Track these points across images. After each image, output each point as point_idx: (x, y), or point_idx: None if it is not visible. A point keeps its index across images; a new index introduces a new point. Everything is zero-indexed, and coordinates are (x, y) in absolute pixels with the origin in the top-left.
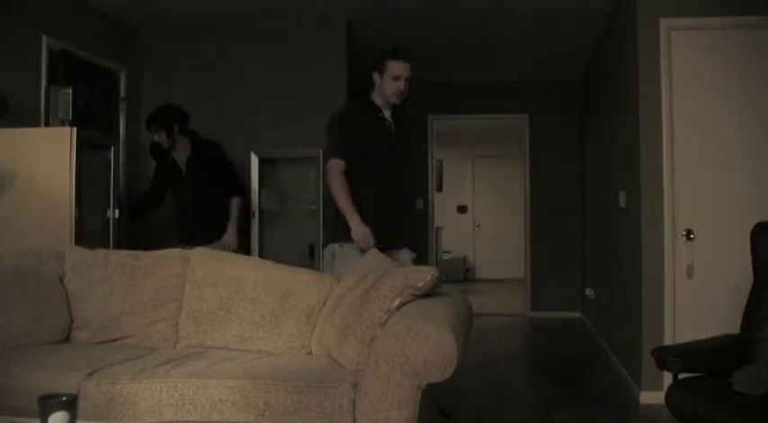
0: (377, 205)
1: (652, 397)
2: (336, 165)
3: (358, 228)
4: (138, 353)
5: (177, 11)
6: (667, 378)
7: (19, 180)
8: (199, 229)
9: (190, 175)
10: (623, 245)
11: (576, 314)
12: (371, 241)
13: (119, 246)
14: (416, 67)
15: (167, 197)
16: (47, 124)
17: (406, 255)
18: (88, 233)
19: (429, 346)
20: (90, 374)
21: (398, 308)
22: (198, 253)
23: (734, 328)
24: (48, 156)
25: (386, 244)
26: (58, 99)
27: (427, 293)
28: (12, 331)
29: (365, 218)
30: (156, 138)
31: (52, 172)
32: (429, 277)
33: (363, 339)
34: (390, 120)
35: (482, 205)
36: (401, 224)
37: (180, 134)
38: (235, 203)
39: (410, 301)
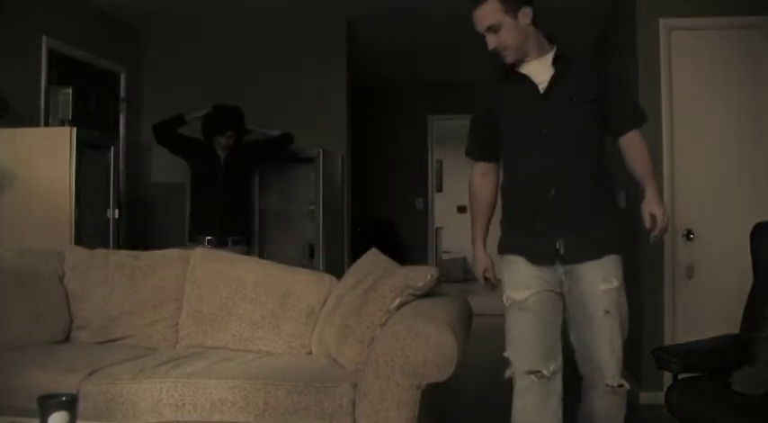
0: (527, 208)
1: (652, 397)
2: (473, 169)
3: (476, 257)
4: (138, 353)
5: (177, 11)
6: (667, 378)
7: (19, 180)
8: (220, 224)
9: (227, 170)
10: None
11: None
12: (486, 275)
13: (118, 246)
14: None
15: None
16: (46, 124)
17: (594, 272)
18: (88, 233)
19: (429, 346)
20: (90, 374)
21: (398, 308)
22: (198, 253)
23: (734, 328)
24: (47, 156)
25: (545, 259)
26: (57, 99)
27: (427, 293)
28: (12, 331)
29: (515, 231)
30: (224, 141)
31: (52, 172)
32: (429, 277)
33: (363, 339)
34: (533, 74)
35: None
36: (581, 223)
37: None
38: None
39: (410, 302)
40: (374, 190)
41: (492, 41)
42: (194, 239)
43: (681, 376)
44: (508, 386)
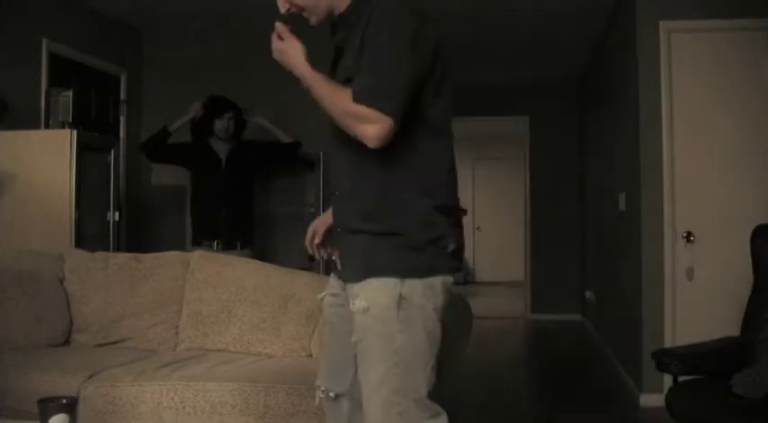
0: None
1: (652, 399)
2: None
3: None
4: (138, 356)
5: (177, 13)
6: (668, 381)
7: (19, 182)
8: (227, 226)
9: (230, 168)
10: (623, 247)
11: (577, 317)
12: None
13: (119, 248)
14: None
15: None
16: (47, 126)
17: (352, 290)
18: (88, 236)
19: None
20: (90, 377)
21: None
22: (197, 255)
23: (734, 330)
24: (48, 158)
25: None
26: (58, 101)
27: None
28: (12, 334)
29: None
30: (224, 125)
31: (52, 174)
32: None
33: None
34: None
35: (482, 207)
36: (347, 240)
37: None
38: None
39: None
40: None
41: (280, 1)
42: (200, 244)
43: (681, 379)
44: (509, 389)
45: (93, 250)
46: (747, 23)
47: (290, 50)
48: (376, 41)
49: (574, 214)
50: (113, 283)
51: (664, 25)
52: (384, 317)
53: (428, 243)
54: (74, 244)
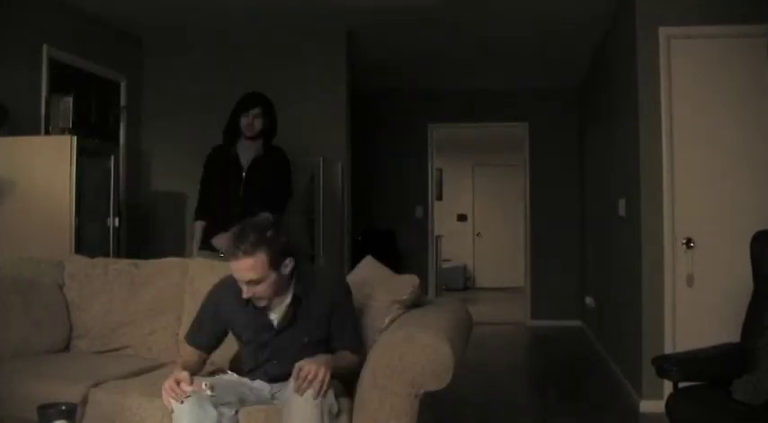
0: None
1: (652, 406)
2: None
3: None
4: (139, 363)
5: (177, 21)
6: (667, 387)
7: (19, 188)
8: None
9: (252, 176)
10: (623, 253)
11: (577, 323)
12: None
13: (118, 254)
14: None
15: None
16: (47, 132)
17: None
18: (88, 242)
19: (426, 355)
20: (91, 385)
21: (393, 321)
22: (196, 263)
23: (734, 336)
24: (48, 164)
25: None
26: (58, 107)
27: (423, 303)
28: (11, 340)
29: None
30: (246, 121)
31: (52, 180)
32: (411, 289)
33: (361, 349)
34: (271, 309)
35: (482, 213)
36: None
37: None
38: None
39: (402, 315)
40: (374, 199)
41: (249, 292)
42: (210, 248)
43: (681, 385)
44: (509, 395)
45: (92, 256)
46: (747, 30)
47: (319, 365)
48: (345, 308)
49: (574, 220)
50: (113, 290)
51: (663, 31)
52: None
53: None
54: (73, 250)
